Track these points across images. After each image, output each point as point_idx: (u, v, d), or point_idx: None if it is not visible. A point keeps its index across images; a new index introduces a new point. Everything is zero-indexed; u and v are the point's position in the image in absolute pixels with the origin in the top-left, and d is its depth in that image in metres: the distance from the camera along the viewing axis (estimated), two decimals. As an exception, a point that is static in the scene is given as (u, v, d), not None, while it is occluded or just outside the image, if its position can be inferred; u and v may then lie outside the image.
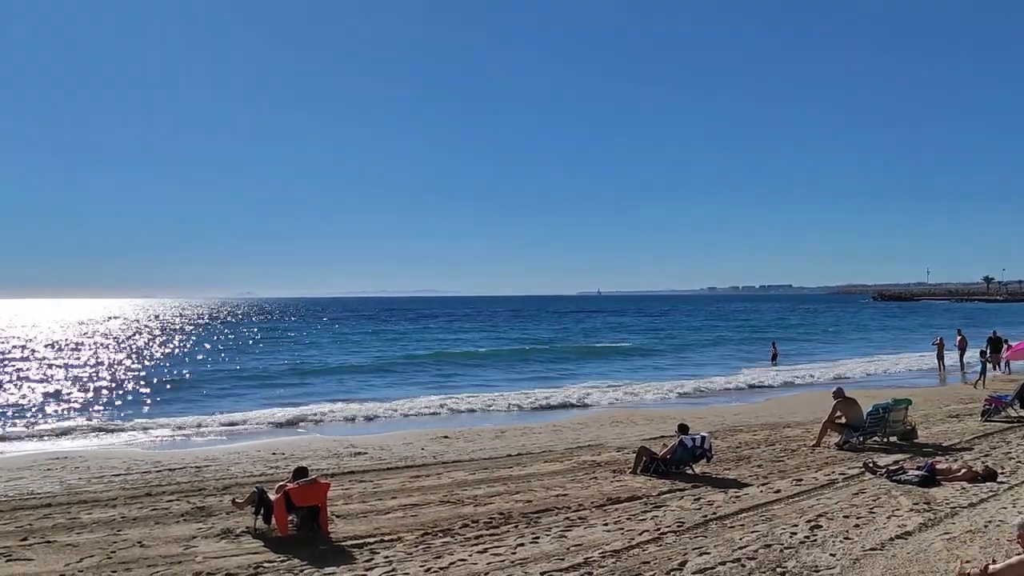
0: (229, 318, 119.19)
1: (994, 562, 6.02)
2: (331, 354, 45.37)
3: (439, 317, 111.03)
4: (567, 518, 9.61)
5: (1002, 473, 11.49)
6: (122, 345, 56.08)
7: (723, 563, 7.58)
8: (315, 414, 20.91)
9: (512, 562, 7.83)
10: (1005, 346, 27.56)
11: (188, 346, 54.93)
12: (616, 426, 18.15)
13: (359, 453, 14.66)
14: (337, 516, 9.69)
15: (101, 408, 23.17)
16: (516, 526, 9.25)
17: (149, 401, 24.76)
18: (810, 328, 73.15)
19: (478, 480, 12.03)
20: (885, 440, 14.55)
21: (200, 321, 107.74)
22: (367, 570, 7.72)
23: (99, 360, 42.46)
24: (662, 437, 15.20)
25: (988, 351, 27.44)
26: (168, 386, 29.39)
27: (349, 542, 8.67)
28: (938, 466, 11.49)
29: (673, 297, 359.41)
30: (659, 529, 8.94)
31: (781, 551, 7.95)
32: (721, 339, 56.70)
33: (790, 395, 25.07)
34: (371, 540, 8.73)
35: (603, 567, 7.59)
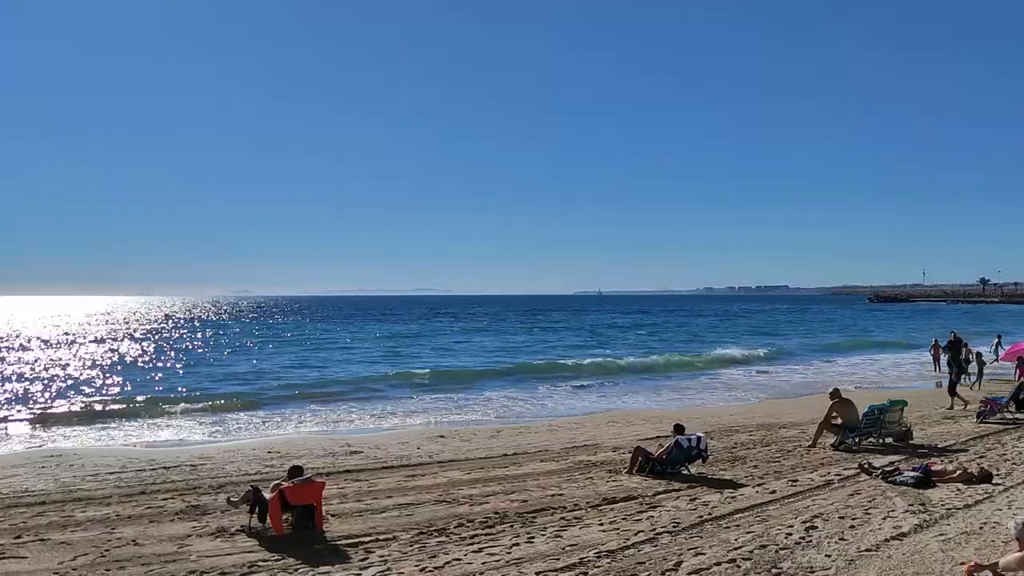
0: (228, 318, 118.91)
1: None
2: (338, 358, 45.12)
3: (460, 317, 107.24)
4: (562, 518, 9.60)
5: (997, 475, 11.50)
6: (126, 342, 55.96)
7: (718, 563, 7.58)
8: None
9: (507, 562, 7.82)
10: (966, 348, 26.80)
11: (192, 346, 54.79)
12: (612, 426, 18.14)
13: (355, 452, 14.64)
14: (332, 515, 9.67)
15: (96, 405, 23.09)
16: (511, 526, 9.24)
17: (144, 400, 24.67)
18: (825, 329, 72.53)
19: (473, 480, 12.02)
20: (881, 441, 14.56)
21: (210, 320, 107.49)
22: (362, 569, 7.70)
23: (95, 357, 42.36)
24: (658, 437, 15.20)
25: (948, 354, 26.24)
26: (167, 385, 29.34)
27: (344, 541, 8.65)
28: (933, 467, 11.50)
29: (677, 297, 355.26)
30: (655, 529, 8.93)
31: (776, 552, 7.95)
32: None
33: (785, 396, 25.08)
34: (366, 539, 8.72)
35: (598, 567, 7.58)
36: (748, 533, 8.70)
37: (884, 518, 9.22)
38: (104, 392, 26.74)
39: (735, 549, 8.07)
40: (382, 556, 8.09)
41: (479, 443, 15.68)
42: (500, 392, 26.11)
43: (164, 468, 13.08)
